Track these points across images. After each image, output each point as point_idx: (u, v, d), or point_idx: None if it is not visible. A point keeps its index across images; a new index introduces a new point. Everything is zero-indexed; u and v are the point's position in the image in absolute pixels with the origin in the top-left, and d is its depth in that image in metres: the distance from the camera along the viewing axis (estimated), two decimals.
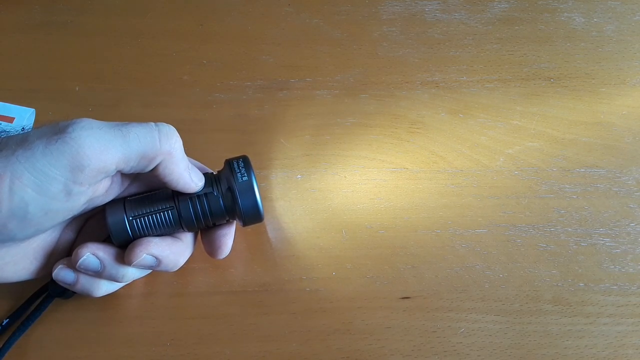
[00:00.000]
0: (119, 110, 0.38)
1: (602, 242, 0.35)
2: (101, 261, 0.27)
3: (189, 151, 0.30)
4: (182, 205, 0.28)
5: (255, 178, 0.29)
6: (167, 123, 0.27)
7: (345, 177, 0.37)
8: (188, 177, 0.27)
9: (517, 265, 0.34)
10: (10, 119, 0.37)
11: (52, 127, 0.24)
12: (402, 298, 0.34)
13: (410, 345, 0.32)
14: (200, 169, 0.31)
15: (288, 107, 0.39)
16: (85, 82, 0.39)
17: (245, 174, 0.29)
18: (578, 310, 0.33)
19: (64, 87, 0.39)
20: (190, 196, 0.28)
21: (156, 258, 0.28)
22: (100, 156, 0.24)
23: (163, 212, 0.28)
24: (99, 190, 0.27)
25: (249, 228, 0.35)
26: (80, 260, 0.27)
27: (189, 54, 0.40)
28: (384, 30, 0.42)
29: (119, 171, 0.26)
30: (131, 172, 0.26)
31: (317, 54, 0.41)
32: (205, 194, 0.29)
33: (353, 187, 0.36)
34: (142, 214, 0.28)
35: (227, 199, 0.29)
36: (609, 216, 0.36)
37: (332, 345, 0.32)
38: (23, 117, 0.37)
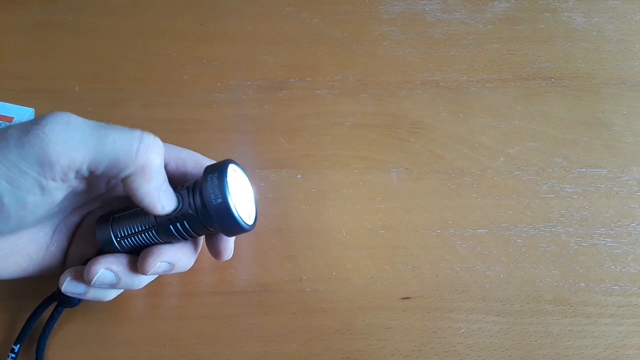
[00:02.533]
0: (119, 110, 0.38)
1: (603, 242, 0.35)
2: (116, 274, 0.27)
3: None
4: (162, 226, 0.27)
5: (229, 194, 0.26)
6: (160, 130, 0.26)
7: (345, 177, 0.37)
8: (156, 197, 0.25)
9: (518, 266, 0.34)
10: (9, 119, 0.37)
11: (32, 120, 0.24)
12: (402, 298, 0.33)
13: (410, 346, 0.32)
14: (192, 160, 0.30)
15: (288, 107, 0.39)
16: (85, 82, 0.39)
17: (219, 195, 0.26)
18: (579, 311, 0.33)
19: (64, 87, 0.39)
20: (168, 217, 0.27)
21: (169, 264, 0.28)
22: (70, 154, 0.23)
23: (146, 233, 0.28)
24: (80, 186, 0.26)
25: None
26: (95, 277, 0.27)
27: (189, 54, 0.40)
28: (384, 30, 0.42)
29: (91, 172, 0.24)
30: (104, 175, 0.25)
31: (317, 53, 0.41)
32: (183, 215, 0.27)
33: (353, 187, 0.36)
34: (127, 235, 0.28)
35: (206, 217, 0.27)
36: (610, 216, 0.36)
37: (332, 345, 0.32)
38: (22, 116, 0.37)
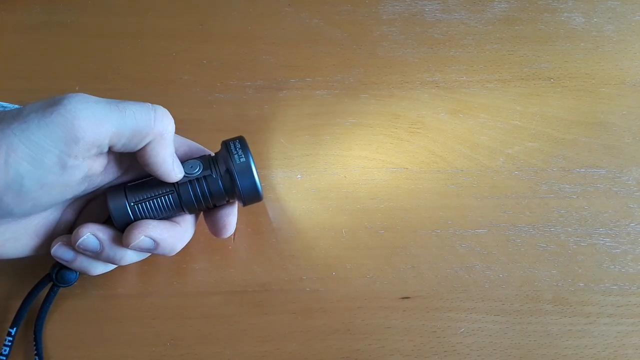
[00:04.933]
0: None
1: (602, 242, 0.35)
2: (100, 242, 0.28)
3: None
4: (182, 188, 0.29)
5: (252, 158, 0.29)
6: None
7: (345, 177, 0.37)
8: (170, 163, 0.27)
9: (517, 265, 0.34)
10: None
11: (47, 101, 0.24)
12: (402, 298, 0.34)
13: (410, 345, 0.32)
14: (199, 150, 0.32)
15: (288, 107, 0.39)
16: (85, 82, 0.39)
17: (243, 155, 0.29)
18: (578, 310, 0.33)
19: (64, 87, 0.39)
20: (189, 179, 0.29)
21: (154, 241, 0.28)
22: (95, 129, 0.24)
23: (164, 196, 0.29)
24: (95, 167, 0.27)
25: (250, 228, 0.35)
26: (80, 240, 0.27)
27: (189, 54, 0.40)
28: (384, 30, 0.42)
29: (110, 147, 0.26)
30: (122, 149, 0.26)
31: (317, 54, 0.41)
32: (204, 177, 0.29)
33: (353, 187, 0.36)
34: (143, 199, 0.28)
35: (226, 180, 0.29)
36: (609, 216, 0.36)
37: (332, 345, 0.32)
38: None
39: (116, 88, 0.39)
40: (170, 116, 0.27)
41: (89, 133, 0.24)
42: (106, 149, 0.26)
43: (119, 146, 0.26)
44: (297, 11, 0.42)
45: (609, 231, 0.36)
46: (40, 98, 0.38)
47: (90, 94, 0.38)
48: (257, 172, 0.29)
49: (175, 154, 0.28)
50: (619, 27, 0.42)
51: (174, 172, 0.28)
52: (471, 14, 0.43)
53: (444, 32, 0.42)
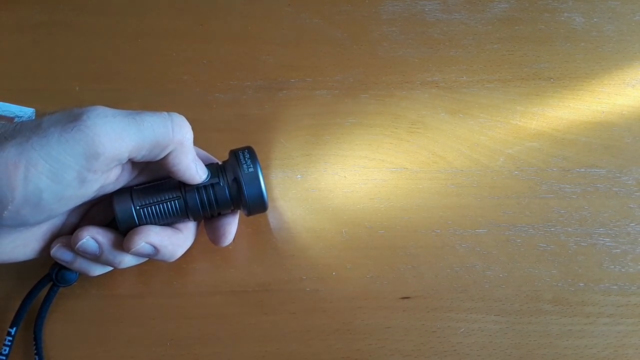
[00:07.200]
0: None
1: (602, 242, 0.35)
2: (100, 245, 0.28)
3: None
4: (189, 195, 0.29)
5: (260, 168, 0.30)
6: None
7: (345, 177, 0.37)
8: (194, 168, 0.28)
9: (517, 265, 0.34)
10: (10, 119, 0.37)
11: (67, 115, 0.24)
12: (402, 298, 0.34)
13: (410, 345, 0.32)
14: (206, 158, 0.32)
15: (288, 107, 0.39)
16: (85, 82, 0.39)
17: (251, 165, 0.30)
18: (578, 310, 0.33)
19: (64, 87, 0.39)
20: (197, 186, 0.29)
21: (154, 247, 0.28)
22: (115, 144, 0.24)
23: (170, 202, 0.29)
24: (110, 177, 0.27)
25: (250, 228, 0.35)
26: (79, 243, 0.27)
27: (189, 54, 0.40)
28: (384, 30, 0.42)
29: (130, 159, 0.26)
30: (142, 160, 0.26)
31: (317, 54, 0.41)
32: (212, 184, 0.29)
33: (353, 187, 0.36)
34: (149, 203, 0.28)
35: (233, 189, 0.30)
36: (609, 216, 0.36)
37: (332, 345, 0.32)
38: (23, 116, 0.37)
39: (116, 88, 0.39)
40: (188, 123, 0.27)
41: (109, 149, 0.24)
42: (125, 162, 0.26)
43: (139, 157, 0.26)
44: (297, 11, 0.42)
45: (609, 231, 0.36)
46: (40, 98, 0.38)
47: (90, 94, 0.39)
48: (264, 183, 0.30)
49: (197, 157, 0.28)
50: (619, 27, 0.42)
51: (197, 175, 0.28)
52: (471, 14, 0.43)
53: (444, 32, 0.42)
